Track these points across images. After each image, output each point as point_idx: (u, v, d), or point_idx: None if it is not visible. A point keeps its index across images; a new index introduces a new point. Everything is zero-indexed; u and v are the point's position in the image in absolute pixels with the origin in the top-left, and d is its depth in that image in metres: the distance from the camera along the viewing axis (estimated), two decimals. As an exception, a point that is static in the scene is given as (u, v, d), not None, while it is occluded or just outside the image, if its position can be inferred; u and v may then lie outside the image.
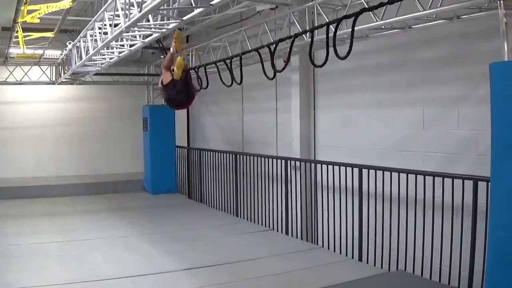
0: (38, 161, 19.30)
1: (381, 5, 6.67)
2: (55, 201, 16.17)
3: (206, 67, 11.54)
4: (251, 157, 13.54)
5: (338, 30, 7.04)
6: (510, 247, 6.02)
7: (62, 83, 18.10)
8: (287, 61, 9.16)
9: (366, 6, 8.45)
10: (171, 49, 8.98)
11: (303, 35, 10.25)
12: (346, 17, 6.78)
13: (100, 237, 11.33)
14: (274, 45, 8.00)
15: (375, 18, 8.58)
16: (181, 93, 8.96)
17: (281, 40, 8.05)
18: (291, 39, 8.46)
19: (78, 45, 12.86)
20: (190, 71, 9.76)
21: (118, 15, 8.92)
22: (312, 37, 7.04)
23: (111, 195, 17.44)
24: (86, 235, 11.51)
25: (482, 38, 8.39)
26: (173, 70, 8.71)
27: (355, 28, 7.25)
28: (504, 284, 6.10)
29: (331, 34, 7.40)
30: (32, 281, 8.28)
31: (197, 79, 9.70)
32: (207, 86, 9.57)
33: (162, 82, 9.06)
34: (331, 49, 7.25)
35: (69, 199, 16.53)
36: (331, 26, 7.61)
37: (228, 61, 9.30)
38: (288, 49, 8.26)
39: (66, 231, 11.92)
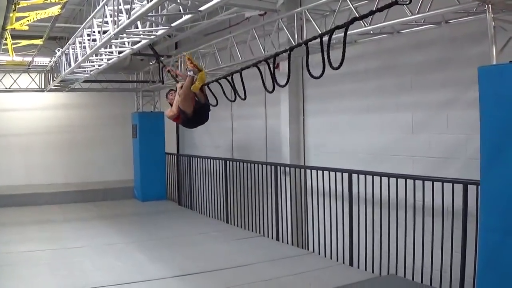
0: (28, 169, 19.24)
1: (371, 13, 6.67)
2: (45, 209, 16.14)
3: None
4: (241, 163, 13.53)
5: (326, 36, 7.02)
6: (500, 250, 6.03)
7: (51, 90, 18.05)
8: (278, 67, 9.21)
9: (354, 11, 8.51)
10: (190, 72, 9.33)
11: (292, 40, 10.29)
12: (338, 27, 6.76)
13: (90, 245, 11.30)
14: (272, 59, 7.90)
15: (364, 23, 8.60)
16: (203, 113, 9.79)
17: (277, 54, 7.96)
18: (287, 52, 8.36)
19: (67, 52, 12.83)
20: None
21: (106, 22, 8.91)
22: (307, 49, 7.01)
23: (101, 203, 17.44)
24: (76, 243, 11.47)
25: (471, 42, 8.43)
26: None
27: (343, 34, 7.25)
28: (494, 287, 6.11)
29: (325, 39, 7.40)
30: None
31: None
32: (216, 104, 9.78)
33: (180, 110, 9.61)
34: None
35: (59, 207, 16.50)
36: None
37: (229, 77, 9.23)
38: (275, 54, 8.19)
39: (56, 239, 11.87)
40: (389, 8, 6.82)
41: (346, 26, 6.62)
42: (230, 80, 8.98)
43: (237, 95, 9.06)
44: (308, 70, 6.92)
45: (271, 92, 8.05)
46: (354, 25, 7.09)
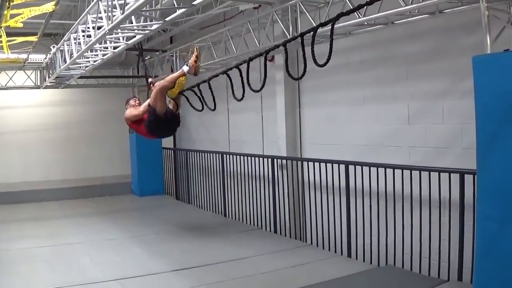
0: (25, 166, 19.18)
1: (360, 7, 6.64)
2: (43, 206, 16.16)
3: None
4: (238, 156, 13.53)
5: (321, 28, 6.98)
6: (497, 239, 6.04)
7: (47, 87, 18.03)
8: (272, 60, 9.14)
9: (348, 3, 8.51)
10: (185, 67, 8.70)
11: (286, 32, 10.29)
12: (323, 24, 6.71)
13: (89, 240, 11.31)
14: (265, 54, 7.72)
15: (358, 15, 8.61)
16: (172, 123, 9.12)
17: (271, 49, 7.80)
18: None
19: (62, 48, 12.83)
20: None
21: (101, 18, 8.91)
22: (302, 42, 6.95)
23: (99, 198, 17.47)
24: (74, 239, 11.48)
25: (465, 31, 8.41)
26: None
27: (338, 25, 7.25)
28: (493, 276, 6.12)
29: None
30: (22, 286, 8.29)
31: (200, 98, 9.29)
32: (214, 108, 9.10)
33: (150, 109, 8.98)
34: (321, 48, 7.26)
35: (57, 203, 16.51)
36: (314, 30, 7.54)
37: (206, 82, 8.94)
38: (272, 48, 8.10)
39: (55, 235, 11.88)
40: (382, 0, 6.82)
41: (332, 21, 6.54)
42: (208, 87, 8.73)
43: (204, 104, 9.00)
44: (305, 64, 6.84)
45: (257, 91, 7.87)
46: (348, 16, 7.09)
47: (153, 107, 8.92)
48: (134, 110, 9.62)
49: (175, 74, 8.92)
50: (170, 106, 9.16)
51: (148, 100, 9.25)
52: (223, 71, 8.39)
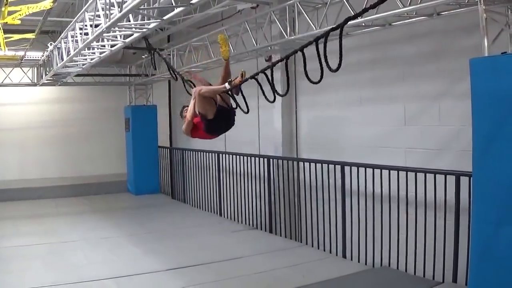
0: (22, 163, 19.18)
1: (364, 11, 6.60)
2: (39, 203, 16.17)
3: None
4: (234, 156, 13.53)
5: (320, 28, 6.96)
6: (493, 241, 6.06)
7: (44, 84, 17.98)
8: (269, 60, 9.06)
9: (346, 4, 8.52)
10: (228, 85, 7.93)
11: (284, 33, 10.29)
12: (334, 29, 6.65)
13: (84, 238, 11.31)
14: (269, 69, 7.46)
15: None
16: (228, 117, 8.61)
17: (274, 64, 7.52)
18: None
19: (59, 46, 12.80)
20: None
21: (98, 16, 8.89)
22: (303, 55, 6.85)
23: (95, 197, 17.50)
24: (70, 237, 11.49)
25: (462, 34, 8.43)
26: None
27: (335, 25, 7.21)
28: (488, 278, 6.14)
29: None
30: (17, 283, 8.28)
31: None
32: (247, 111, 8.70)
33: (201, 116, 8.31)
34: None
35: (52, 201, 16.51)
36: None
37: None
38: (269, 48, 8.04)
39: (50, 233, 11.89)
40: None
41: (340, 27, 6.43)
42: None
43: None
44: (306, 75, 6.72)
45: (272, 102, 7.69)
46: (344, 17, 7.07)
47: (203, 114, 8.32)
48: (185, 123, 8.77)
49: (217, 88, 8.18)
50: (219, 102, 8.64)
51: (195, 107, 8.42)
52: (254, 74, 7.83)
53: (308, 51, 6.43)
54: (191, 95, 8.66)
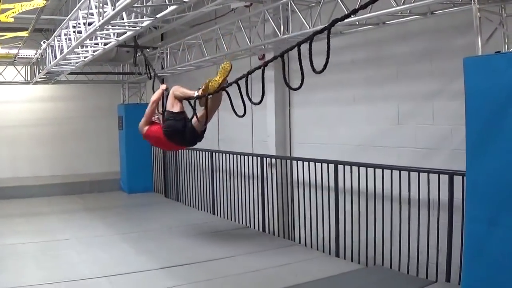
0: (14, 162, 19.20)
1: (354, 12, 6.55)
2: (31, 202, 16.11)
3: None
4: (227, 154, 13.52)
5: (313, 26, 6.94)
6: (486, 240, 6.06)
7: (37, 82, 18.00)
8: (263, 59, 9.05)
9: (340, 3, 8.52)
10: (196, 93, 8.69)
11: (277, 30, 10.28)
12: (320, 31, 6.61)
13: (77, 237, 11.28)
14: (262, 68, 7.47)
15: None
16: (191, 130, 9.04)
17: (265, 63, 7.55)
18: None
19: (53, 44, 12.80)
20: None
21: (92, 14, 8.89)
22: (299, 52, 6.82)
23: (88, 195, 17.46)
24: (62, 235, 11.46)
25: (456, 33, 8.42)
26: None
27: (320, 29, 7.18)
28: (481, 277, 6.14)
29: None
30: (9, 282, 8.23)
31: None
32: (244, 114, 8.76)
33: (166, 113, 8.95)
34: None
35: (45, 199, 16.48)
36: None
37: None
38: (263, 46, 8.03)
39: (43, 231, 11.85)
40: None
41: (328, 29, 6.40)
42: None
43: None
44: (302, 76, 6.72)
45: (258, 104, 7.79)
46: (338, 15, 7.04)
47: (169, 109, 9.03)
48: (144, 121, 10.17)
49: (186, 92, 9.04)
50: (199, 115, 8.99)
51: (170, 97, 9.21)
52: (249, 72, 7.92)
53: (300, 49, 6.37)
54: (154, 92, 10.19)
